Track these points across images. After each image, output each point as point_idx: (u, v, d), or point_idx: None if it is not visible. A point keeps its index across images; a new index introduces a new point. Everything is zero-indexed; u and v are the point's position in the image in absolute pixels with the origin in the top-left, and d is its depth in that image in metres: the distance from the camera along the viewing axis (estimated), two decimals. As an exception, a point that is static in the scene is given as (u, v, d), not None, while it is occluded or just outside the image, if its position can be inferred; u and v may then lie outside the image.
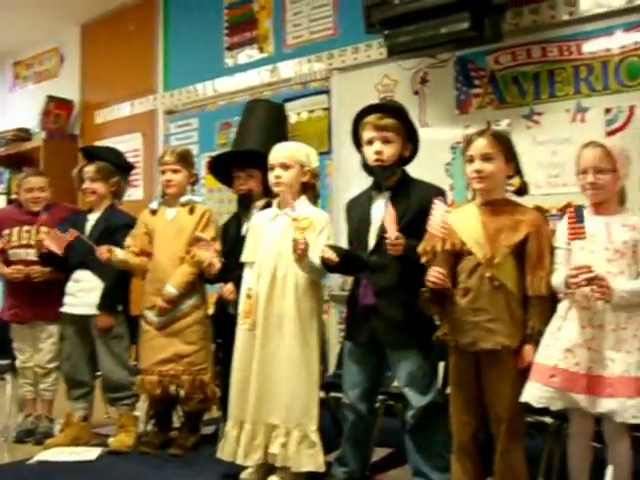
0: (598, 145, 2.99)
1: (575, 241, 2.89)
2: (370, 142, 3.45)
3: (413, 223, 3.30)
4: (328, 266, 3.42)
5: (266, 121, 4.68)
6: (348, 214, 3.66)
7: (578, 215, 2.85)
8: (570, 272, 2.86)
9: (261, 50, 5.94)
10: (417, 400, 3.35)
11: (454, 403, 3.21)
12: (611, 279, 2.83)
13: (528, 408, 3.00)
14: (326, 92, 5.39)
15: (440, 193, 3.42)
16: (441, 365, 3.53)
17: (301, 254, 3.36)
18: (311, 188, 3.77)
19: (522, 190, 3.25)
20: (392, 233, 3.20)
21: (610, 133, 4.10)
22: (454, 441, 3.21)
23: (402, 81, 4.97)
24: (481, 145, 3.15)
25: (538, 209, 4.07)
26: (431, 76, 4.85)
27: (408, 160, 3.55)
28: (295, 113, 5.56)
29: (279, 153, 3.73)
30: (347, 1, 5.24)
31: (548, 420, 3.33)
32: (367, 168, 3.53)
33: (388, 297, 3.37)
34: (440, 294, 3.13)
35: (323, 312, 4.00)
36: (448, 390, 3.37)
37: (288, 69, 5.68)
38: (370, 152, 3.45)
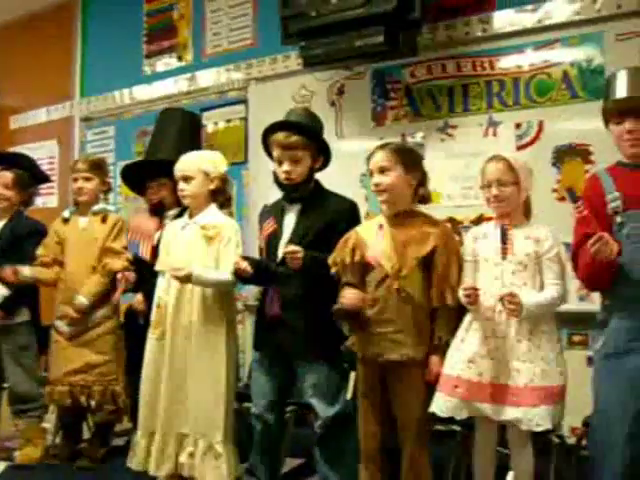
0: (501, 159, 3.04)
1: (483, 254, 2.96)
2: (279, 161, 3.44)
3: (323, 235, 3.32)
4: (241, 277, 3.39)
5: (179, 130, 4.63)
6: (260, 223, 3.64)
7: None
8: (461, 292, 2.94)
9: (180, 58, 5.90)
10: (324, 411, 3.33)
11: (362, 413, 3.21)
12: (515, 290, 2.89)
13: (438, 416, 3.02)
14: (244, 102, 5.38)
15: (352, 205, 3.43)
16: (352, 375, 3.54)
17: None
18: (221, 194, 3.74)
19: (425, 199, 3.28)
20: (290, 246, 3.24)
21: (520, 147, 4.21)
22: (361, 450, 3.22)
23: (319, 92, 4.99)
24: (378, 159, 3.18)
25: (451, 220, 4.16)
26: (348, 88, 4.88)
27: (321, 168, 3.55)
28: (212, 122, 5.53)
29: (180, 165, 3.72)
30: (266, 11, 5.22)
31: (457, 428, 3.37)
32: (279, 183, 3.51)
33: (294, 308, 3.35)
34: (352, 313, 3.13)
35: (238, 322, 3.97)
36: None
37: (206, 78, 5.65)
38: (279, 171, 3.44)
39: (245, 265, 3.32)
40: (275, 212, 3.55)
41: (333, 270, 3.18)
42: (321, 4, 4.33)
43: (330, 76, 4.92)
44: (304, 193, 3.45)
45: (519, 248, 2.98)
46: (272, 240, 3.48)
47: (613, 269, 2.73)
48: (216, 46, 5.67)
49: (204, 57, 5.73)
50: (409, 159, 3.21)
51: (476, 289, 2.91)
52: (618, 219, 2.75)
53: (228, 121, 5.45)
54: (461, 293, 2.95)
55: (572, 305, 3.72)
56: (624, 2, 4.06)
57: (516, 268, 2.96)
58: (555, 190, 4.05)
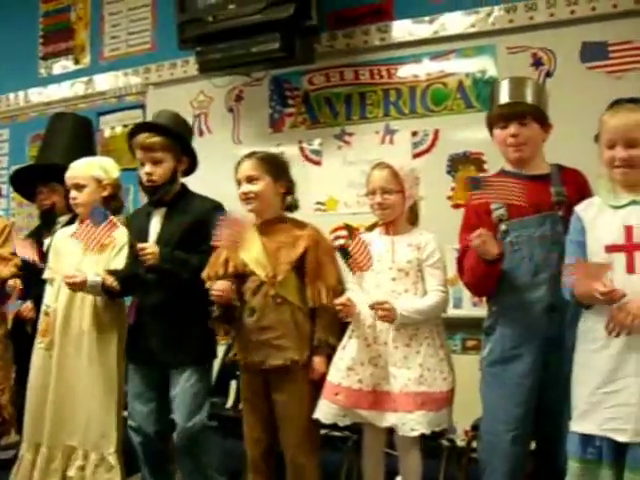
0: (386, 166, 3.07)
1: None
2: (142, 163, 3.37)
3: (189, 237, 3.27)
4: (110, 293, 3.33)
5: (71, 135, 4.51)
6: (128, 228, 3.53)
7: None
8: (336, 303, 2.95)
9: (77, 61, 5.77)
10: (183, 421, 3.25)
11: (246, 420, 3.19)
12: (396, 297, 2.92)
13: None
14: (141, 107, 5.30)
15: (216, 206, 3.39)
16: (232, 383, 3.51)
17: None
18: (113, 201, 3.66)
19: (292, 207, 3.27)
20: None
21: (416, 155, 4.27)
22: (247, 458, 3.19)
23: (217, 98, 4.96)
24: (246, 168, 3.18)
25: (347, 227, 4.17)
26: (246, 94, 4.88)
27: (188, 171, 3.50)
28: (109, 127, 5.44)
29: (71, 173, 3.62)
30: (165, 16, 5.15)
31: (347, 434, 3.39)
32: (142, 186, 3.44)
33: (162, 315, 3.27)
34: (228, 312, 3.10)
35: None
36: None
37: (103, 82, 5.55)
38: (142, 173, 3.38)
39: (111, 281, 3.27)
40: (140, 217, 3.49)
41: (208, 284, 3.13)
42: (218, 10, 4.33)
43: (228, 82, 4.91)
44: (167, 196, 3.38)
45: (401, 255, 3.00)
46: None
47: (496, 275, 2.77)
48: (114, 50, 5.58)
49: (102, 60, 5.63)
50: (277, 167, 3.21)
51: (349, 301, 2.93)
52: (502, 227, 2.79)
53: (125, 126, 5.32)
54: (336, 305, 2.96)
55: (466, 311, 3.81)
56: (516, 17, 4.20)
57: (397, 275, 2.99)
58: (450, 197, 4.12)
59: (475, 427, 3.16)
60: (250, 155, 3.22)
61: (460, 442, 3.47)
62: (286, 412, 3.08)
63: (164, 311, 3.26)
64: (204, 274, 3.15)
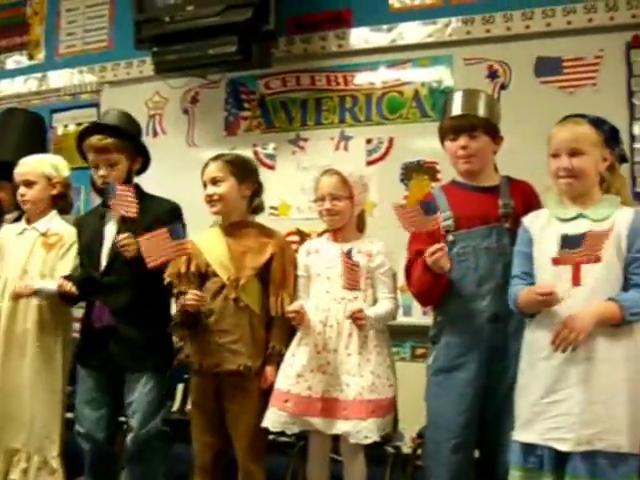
0: (335, 173, 3.08)
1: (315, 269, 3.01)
2: (96, 166, 3.33)
3: None
4: (67, 298, 3.28)
5: (22, 132, 4.45)
6: (78, 232, 3.49)
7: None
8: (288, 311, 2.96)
9: (31, 57, 5.66)
10: (139, 427, 3.22)
11: (195, 425, 3.17)
12: (346, 304, 2.94)
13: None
14: (96, 105, 5.23)
15: (172, 207, 3.37)
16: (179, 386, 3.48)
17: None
18: (62, 199, 3.61)
19: (258, 209, 3.28)
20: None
21: (370, 162, 4.30)
22: (195, 463, 3.17)
23: (172, 99, 4.93)
24: (211, 170, 3.17)
25: (299, 232, 4.17)
26: (202, 96, 4.85)
27: (140, 170, 3.47)
28: (62, 125, 5.36)
29: (21, 169, 3.57)
30: (123, 14, 5.09)
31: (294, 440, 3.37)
32: (96, 189, 3.42)
33: (125, 318, 3.24)
34: (191, 317, 3.08)
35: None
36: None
37: (58, 79, 5.45)
38: (96, 176, 3.34)
39: (69, 286, 3.21)
40: (93, 220, 3.44)
41: (168, 280, 3.11)
42: (176, 11, 4.31)
43: (184, 84, 4.88)
44: None
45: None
46: (92, 249, 3.35)
47: (442, 286, 2.79)
48: (70, 46, 5.49)
49: (57, 57, 5.53)
50: (243, 170, 3.20)
51: (301, 309, 2.94)
52: (450, 238, 2.82)
53: (79, 124, 5.19)
54: (288, 312, 2.96)
55: (415, 319, 3.82)
56: (473, 29, 4.26)
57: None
58: (402, 207, 4.11)
59: (421, 434, 3.18)
60: (217, 157, 3.22)
61: (406, 449, 3.49)
62: (237, 419, 3.06)
63: (126, 315, 3.22)
64: (166, 272, 3.13)
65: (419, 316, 3.80)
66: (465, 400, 2.76)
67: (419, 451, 3.26)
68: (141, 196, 3.33)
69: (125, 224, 3.20)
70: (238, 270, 3.07)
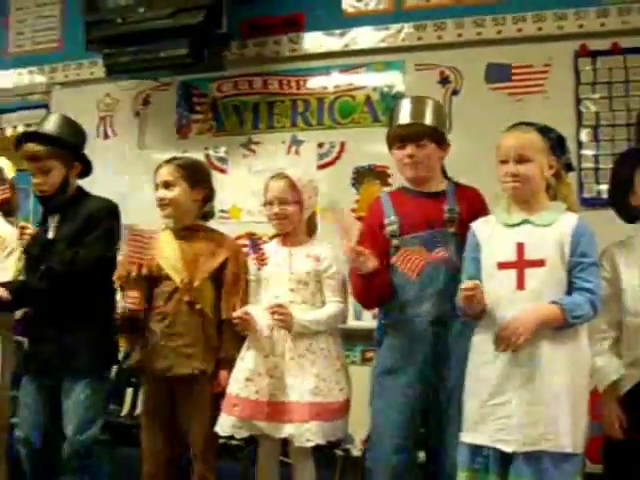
0: (284, 177, 3.08)
1: (263, 269, 3.02)
2: (33, 173, 3.27)
3: (80, 237, 3.17)
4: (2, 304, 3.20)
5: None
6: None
7: (253, 245, 2.99)
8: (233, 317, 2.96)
9: (-22, 56, 5.57)
10: (74, 434, 3.13)
11: (146, 431, 3.14)
12: (294, 308, 2.93)
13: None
14: (46, 106, 5.15)
15: (108, 206, 3.31)
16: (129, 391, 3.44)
17: None
18: (7, 202, 3.55)
19: (208, 215, 3.28)
20: None
21: (321, 166, 4.32)
22: (144, 471, 3.13)
23: (124, 101, 4.90)
24: (163, 173, 3.16)
25: (251, 236, 4.15)
26: (153, 99, 4.83)
27: (82, 174, 3.40)
28: (11, 126, 5.27)
29: None
30: (74, 14, 5.03)
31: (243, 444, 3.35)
32: (35, 195, 3.36)
33: (54, 321, 3.16)
34: (133, 320, 3.06)
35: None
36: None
37: (6, 79, 5.36)
38: (33, 183, 3.28)
39: (1, 292, 3.14)
40: (40, 225, 3.36)
41: (118, 284, 3.09)
42: (127, 12, 4.29)
43: (136, 86, 4.85)
44: (60, 202, 3.28)
45: (299, 266, 3.02)
46: (32, 252, 3.27)
47: (376, 287, 2.80)
48: (19, 46, 5.41)
49: (5, 56, 5.44)
50: (195, 175, 3.19)
51: (246, 315, 2.93)
52: (394, 242, 2.83)
53: (28, 125, 5.15)
54: (233, 318, 2.96)
55: (366, 322, 3.84)
56: (425, 35, 4.31)
57: (296, 286, 3.00)
58: (354, 210, 4.16)
59: (369, 437, 3.18)
60: (170, 160, 3.21)
61: (356, 452, 3.49)
62: (191, 422, 3.05)
63: (56, 317, 3.15)
64: (115, 274, 3.09)
65: (369, 320, 3.81)
66: (406, 402, 2.77)
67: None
68: (80, 198, 3.30)
69: (63, 226, 3.18)
70: (191, 273, 3.06)
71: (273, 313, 2.88)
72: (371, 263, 2.72)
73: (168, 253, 3.11)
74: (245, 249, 3.05)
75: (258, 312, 2.99)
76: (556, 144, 2.61)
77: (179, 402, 3.07)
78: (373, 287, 2.80)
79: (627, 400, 2.68)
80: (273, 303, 2.91)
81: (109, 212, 3.27)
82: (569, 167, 2.67)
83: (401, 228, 2.83)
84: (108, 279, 3.10)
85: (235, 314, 2.94)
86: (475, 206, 2.84)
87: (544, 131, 2.60)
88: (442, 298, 2.72)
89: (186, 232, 3.16)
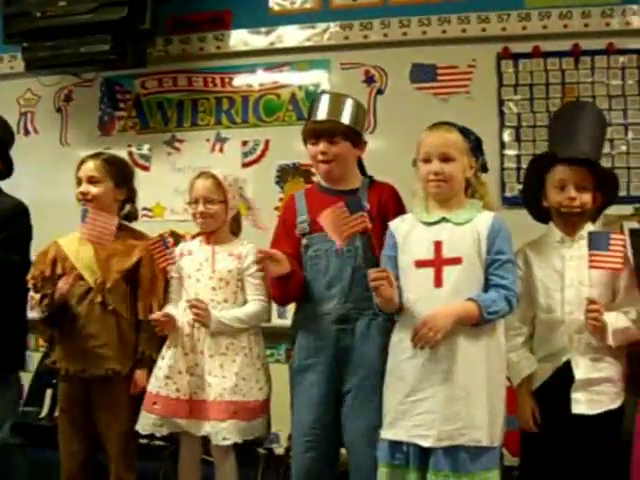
0: (210, 176, 3.07)
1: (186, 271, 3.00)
2: None
3: None
4: None
5: None
6: None
7: (164, 244, 2.93)
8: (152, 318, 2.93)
9: None
10: None
11: (62, 432, 3.10)
12: (215, 306, 2.93)
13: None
14: (-37, 102, 5.00)
15: (15, 206, 3.28)
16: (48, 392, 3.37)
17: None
18: None
19: (132, 216, 3.26)
20: None
21: (246, 164, 4.32)
22: (62, 471, 3.09)
23: (45, 97, 4.80)
24: (89, 167, 3.12)
25: (173, 234, 4.11)
26: (76, 95, 4.74)
27: (7, 174, 3.37)
28: None
29: None
30: (-7, 8, 4.92)
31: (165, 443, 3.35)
32: None
33: None
34: (62, 308, 3.00)
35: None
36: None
37: None
38: None
39: None
40: None
41: (31, 283, 3.04)
42: (48, 6, 4.20)
43: (57, 81, 4.75)
44: None
45: (221, 265, 3.02)
46: None
47: (288, 287, 2.82)
48: None
49: None
50: (121, 174, 3.18)
51: (165, 317, 2.91)
52: (304, 241, 2.85)
53: (-56, 120, 5.05)
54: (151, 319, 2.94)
55: (289, 321, 3.81)
56: (351, 35, 4.33)
57: (217, 284, 2.99)
58: (277, 208, 4.15)
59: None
60: (96, 155, 3.18)
61: (279, 450, 3.49)
62: (108, 426, 3.02)
63: None
64: (29, 274, 3.05)
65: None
66: (314, 400, 2.78)
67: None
68: None
69: None
70: (105, 273, 3.02)
71: (191, 307, 2.87)
72: (281, 267, 2.72)
73: (82, 253, 3.07)
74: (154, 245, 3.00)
75: (179, 311, 2.98)
76: (475, 145, 2.64)
77: (95, 403, 3.04)
78: (289, 287, 2.81)
79: (540, 394, 2.74)
80: (191, 299, 2.90)
81: (18, 212, 3.21)
82: (484, 168, 2.70)
83: (312, 227, 2.83)
84: (18, 281, 3.03)
85: (154, 316, 2.92)
86: (387, 202, 2.85)
87: (465, 132, 2.63)
88: (348, 296, 2.74)
89: None
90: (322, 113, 2.88)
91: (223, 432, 2.85)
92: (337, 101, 2.92)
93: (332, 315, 2.77)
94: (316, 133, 2.86)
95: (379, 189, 2.90)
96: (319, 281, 2.80)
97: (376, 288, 2.46)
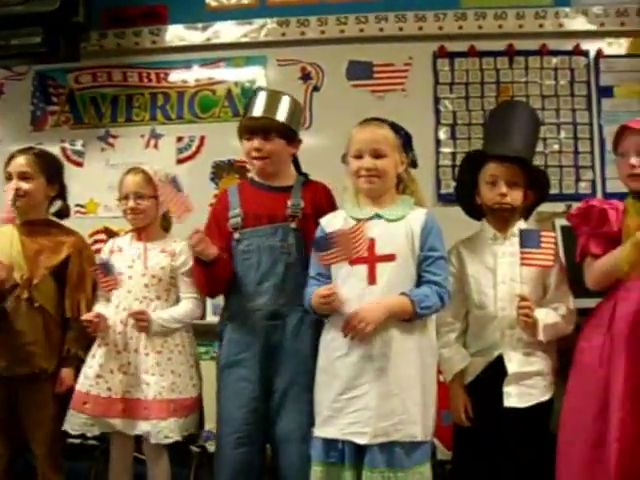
0: (140, 171, 3.05)
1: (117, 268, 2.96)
2: None
3: None
4: None
5: None
6: None
7: (106, 268, 2.91)
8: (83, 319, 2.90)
9: None
10: None
11: None
12: (148, 304, 2.92)
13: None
14: None
15: None
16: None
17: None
18: None
19: (64, 213, 3.23)
20: None
21: (181, 161, 4.29)
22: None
23: (-25, 91, 4.67)
24: (19, 163, 3.08)
25: (107, 231, 4.06)
26: (7, 88, 4.63)
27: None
28: None
29: None
30: None
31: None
32: None
33: None
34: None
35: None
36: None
37: None
38: None
39: None
40: None
41: None
42: (-23, -4, 4.06)
43: (-14, 74, 4.64)
44: None
45: (154, 262, 2.99)
46: None
47: (214, 277, 2.80)
48: None
49: None
50: (52, 169, 3.15)
51: (96, 317, 2.87)
52: (236, 235, 2.84)
53: None
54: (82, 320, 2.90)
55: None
56: (288, 31, 4.32)
57: (150, 281, 2.97)
58: (212, 205, 4.10)
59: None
60: (26, 150, 3.13)
61: (212, 448, 3.46)
62: (34, 426, 2.97)
63: None
64: None
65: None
66: (244, 396, 2.77)
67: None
68: None
69: None
70: (32, 270, 2.98)
71: (135, 319, 2.86)
72: (212, 250, 2.70)
73: (9, 248, 3.01)
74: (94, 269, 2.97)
75: (109, 309, 2.95)
76: (406, 141, 2.65)
77: (20, 402, 2.98)
78: (214, 275, 2.79)
79: (473, 388, 2.78)
80: (133, 310, 2.87)
81: None
82: (414, 164, 2.72)
83: (244, 221, 2.82)
84: None
85: (85, 317, 2.88)
86: (320, 200, 2.87)
87: (395, 128, 2.64)
88: (279, 292, 2.74)
89: (31, 227, 3.07)
90: (258, 110, 2.88)
91: (165, 430, 2.83)
92: (273, 98, 2.91)
93: (263, 311, 2.77)
94: (251, 129, 2.85)
95: (313, 187, 2.92)
96: (250, 276, 2.79)
97: (327, 304, 2.46)
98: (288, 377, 2.71)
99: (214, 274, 2.77)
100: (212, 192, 4.17)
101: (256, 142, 2.82)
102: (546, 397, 2.71)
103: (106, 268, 2.90)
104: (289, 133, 2.88)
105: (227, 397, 2.81)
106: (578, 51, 4.22)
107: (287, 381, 2.70)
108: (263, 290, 2.77)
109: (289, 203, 2.83)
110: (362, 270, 2.49)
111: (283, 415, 2.73)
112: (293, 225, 2.79)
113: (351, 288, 2.50)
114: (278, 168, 2.90)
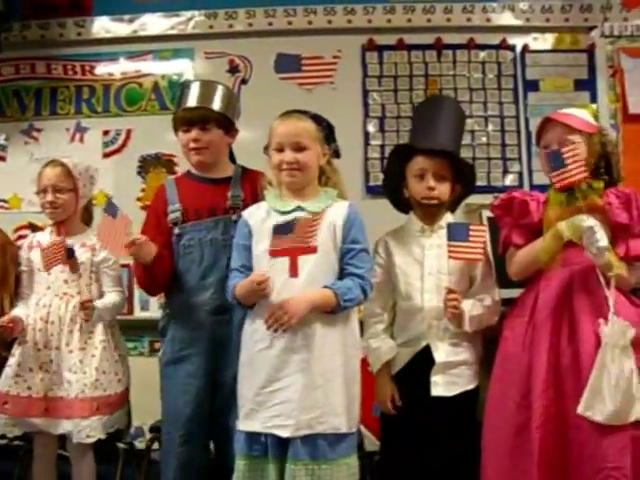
0: (59, 164, 3.00)
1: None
2: None
3: None
4: None
5: None
6: None
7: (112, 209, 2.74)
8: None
9: None
10: None
11: None
12: (68, 299, 2.90)
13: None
14: None
15: None
16: None
17: None
18: None
19: None
20: None
21: (107, 154, 4.23)
22: None
23: None
24: None
25: (32, 226, 3.98)
26: None
27: None
28: None
29: None
30: None
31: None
32: None
33: None
34: None
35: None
36: None
37: None
38: None
39: None
40: None
41: None
42: None
43: None
44: None
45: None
46: None
47: (156, 275, 2.76)
48: None
49: None
50: None
51: (12, 321, 2.83)
52: (176, 230, 2.80)
53: None
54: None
55: (152, 313, 3.78)
56: (216, 24, 4.31)
57: (70, 277, 2.92)
58: (139, 199, 4.09)
59: (153, 428, 3.17)
60: None
61: (140, 444, 3.43)
62: None
63: None
64: None
65: (156, 310, 3.75)
66: (190, 392, 2.74)
67: (155, 445, 3.22)
68: None
69: None
70: None
71: (83, 307, 2.83)
72: (152, 252, 2.67)
73: None
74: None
75: (30, 307, 2.91)
76: (328, 132, 2.64)
77: None
78: (155, 273, 2.75)
79: (400, 378, 2.79)
80: (83, 299, 2.85)
81: None
82: (337, 154, 2.71)
83: (185, 215, 2.79)
84: None
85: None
86: (262, 190, 2.79)
87: (316, 120, 2.62)
88: (224, 286, 2.68)
89: None
90: (192, 100, 2.85)
91: (87, 429, 2.80)
92: (208, 88, 2.89)
93: (208, 306, 2.74)
94: (188, 120, 2.81)
95: (252, 177, 2.86)
96: (193, 271, 2.76)
97: (262, 290, 2.42)
98: (233, 373, 2.65)
99: (153, 272, 2.73)
100: (139, 186, 4.14)
101: (194, 133, 2.79)
102: (472, 386, 2.75)
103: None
104: (226, 123, 2.86)
105: (173, 394, 2.77)
106: (505, 45, 4.30)
107: (233, 376, 2.64)
108: (207, 285, 2.74)
109: (229, 194, 2.80)
110: (284, 262, 2.46)
111: (230, 410, 2.68)
112: (235, 217, 2.75)
113: (272, 280, 2.46)
114: (217, 159, 2.87)
